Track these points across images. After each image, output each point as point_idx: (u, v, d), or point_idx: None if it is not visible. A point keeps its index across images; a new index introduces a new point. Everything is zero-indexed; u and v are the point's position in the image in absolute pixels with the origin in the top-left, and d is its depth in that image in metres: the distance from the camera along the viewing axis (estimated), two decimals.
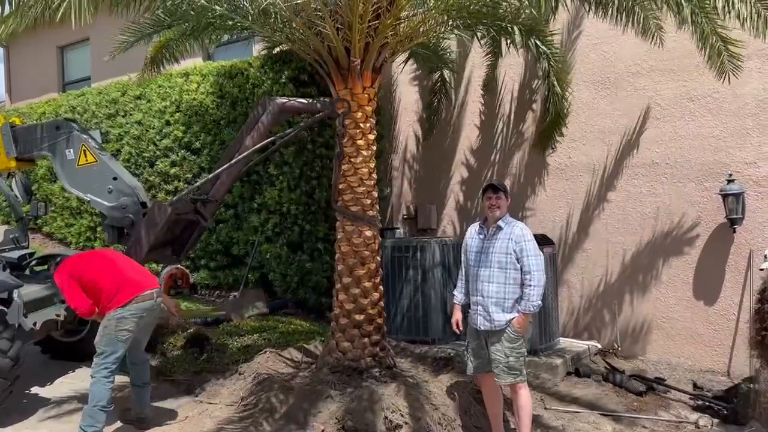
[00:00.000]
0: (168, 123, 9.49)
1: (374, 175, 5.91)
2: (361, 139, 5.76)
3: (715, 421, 5.39)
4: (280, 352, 6.22)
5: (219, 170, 5.43)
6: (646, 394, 6.04)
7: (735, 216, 6.50)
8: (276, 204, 8.02)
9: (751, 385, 5.58)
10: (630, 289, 7.31)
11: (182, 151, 9.24)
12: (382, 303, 5.88)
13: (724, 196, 6.54)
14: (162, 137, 9.53)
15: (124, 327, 4.49)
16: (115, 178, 5.50)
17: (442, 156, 8.75)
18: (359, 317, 5.68)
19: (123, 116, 10.26)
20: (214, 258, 9.09)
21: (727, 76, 5.85)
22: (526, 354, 4.56)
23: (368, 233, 5.77)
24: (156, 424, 4.97)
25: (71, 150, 5.68)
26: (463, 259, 4.80)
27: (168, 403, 5.47)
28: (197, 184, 5.69)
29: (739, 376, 6.51)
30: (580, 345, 7.16)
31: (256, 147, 5.36)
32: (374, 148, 5.91)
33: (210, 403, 5.41)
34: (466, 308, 4.76)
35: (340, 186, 5.80)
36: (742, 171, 6.62)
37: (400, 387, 5.17)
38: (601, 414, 5.54)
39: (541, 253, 4.49)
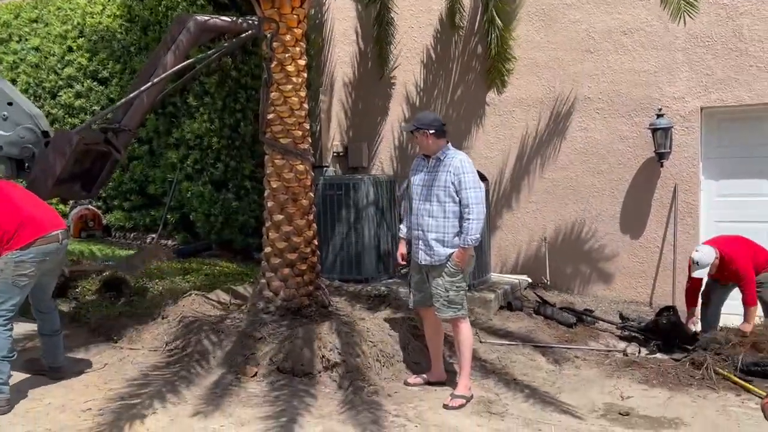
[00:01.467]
0: (70, 49, 8.60)
1: (305, 105, 5.52)
2: (290, 64, 5.33)
3: (642, 348, 5.55)
4: (206, 294, 5.86)
5: (131, 95, 4.87)
6: (576, 325, 6.15)
7: (663, 150, 6.61)
8: (196, 138, 7.48)
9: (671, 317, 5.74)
10: (559, 224, 7.38)
11: (88, 81, 8.42)
12: (316, 241, 5.61)
13: (653, 131, 6.62)
14: (64, 65, 8.65)
15: (23, 272, 3.93)
16: (10, 104, 4.81)
17: (378, 91, 8.36)
18: (292, 256, 5.39)
19: (17, 42, 9.20)
20: (128, 198, 8.48)
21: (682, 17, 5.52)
22: (466, 288, 4.45)
23: (300, 167, 5.43)
24: (73, 373, 4.55)
25: None
26: (407, 192, 4.58)
27: (83, 350, 5.03)
28: (107, 110, 5.11)
29: (660, 305, 6.73)
30: (511, 279, 7.21)
31: (173, 69, 4.83)
32: (305, 75, 5.50)
33: (131, 349, 5.04)
34: (410, 242, 4.59)
35: (269, 116, 5.38)
36: (671, 106, 6.70)
37: (336, 325, 4.97)
38: (534, 346, 5.58)
39: (482, 185, 4.32)
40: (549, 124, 7.39)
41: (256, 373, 4.62)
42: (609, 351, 5.56)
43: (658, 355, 5.42)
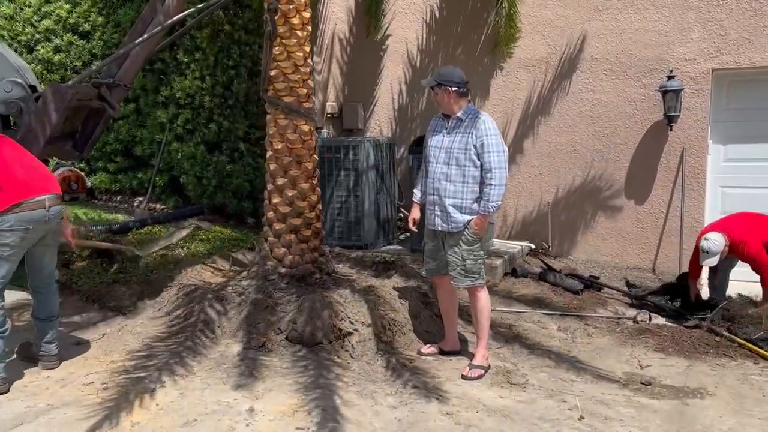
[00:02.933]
0: (48, 0, 8.06)
1: (310, 61, 5.22)
2: (294, 16, 5.01)
3: (652, 315, 5.47)
4: (204, 261, 5.61)
5: (128, 47, 4.51)
6: (582, 292, 6.06)
7: (673, 114, 6.44)
8: (187, 97, 7.09)
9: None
10: (562, 189, 7.22)
11: (68, 35, 7.93)
12: (320, 206, 5.38)
13: (664, 93, 6.43)
14: (41, 17, 8.12)
15: (4, 241, 3.56)
16: None
17: (376, 49, 8.00)
18: (296, 221, 5.16)
19: None
20: (113, 159, 8.10)
21: None
22: (485, 256, 4.27)
23: (305, 128, 5.16)
24: (73, 344, 4.29)
25: None
26: (424, 154, 4.35)
27: (79, 319, 4.77)
28: (102, 63, 4.75)
29: (664, 272, 6.70)
30: (513, 246, 7.07)
31: (175, 18, 4.48)
32: (309, 28, 5.19)
33: (129, 318, 4.79)
34: (424, 207, 4.38)
35: (271, 72, 5.07)
36: (681, 67, 6.51)
37: (345, 293, 4.77)
38: (544, 313, 5.48)
39: (506, 149, 4.10)
40: (554, 85, 7.16)
41: (264, 343, 4.42)
42: (619, 318, 5.48)
43: (668, 323, 5.34)
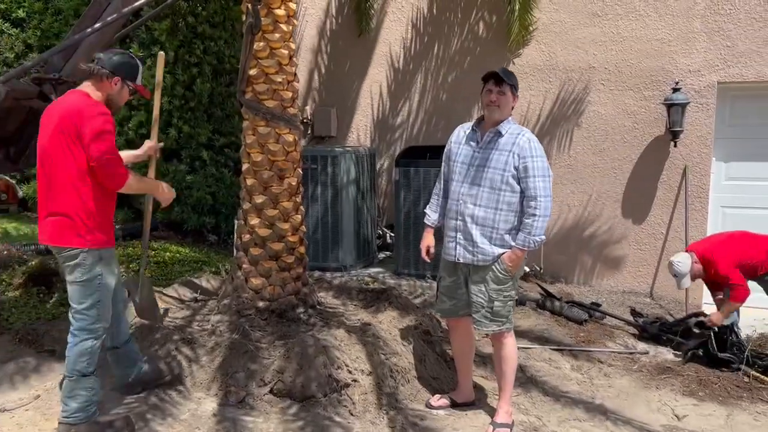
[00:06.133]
0: None
1: (295, 60, 4.50)
2: (279, 7, 4.29)
3: (665, 349, 5.00)
4: (162, 290, 4.78)
5: (78, 36, 3.67)
6: (587, 322, 5.54)
7: (677, 129, 6.02)
8: (140, 97, 6.20)
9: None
10: (554, 207, 6.66)
11: None
12: (304, 228, 4.65)
13: (669, 106, 6.01)
14: None
15: None
16: None
17: (356, 51, 7.30)
18: (277, 246, 4.42)
19: None
20: None
21: None
22: (515, 297, 3.64)
23: (289, 137, 4.43)
24: None
25: None
26: (443, 169, 3.69)
27: (13, 368, 3.86)
28: (43, 55, 3.88)
29: (662, 297, 6.28)
30: None
31: (137, 4, 3.67)
32: (295, 22, 4.47)
33: None
34: (439, 232, 3.72)
35: (251, 72, 4.32)
36: (685, 79, 6.11)
37: (340, 334, 4.06)
38: (553, 349, 4.92)
39: (551, 174, 3.47)
40: (547, 95, 6.65)
41: (244, 398, 3.66)
42: (632, 353, 4.98)
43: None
